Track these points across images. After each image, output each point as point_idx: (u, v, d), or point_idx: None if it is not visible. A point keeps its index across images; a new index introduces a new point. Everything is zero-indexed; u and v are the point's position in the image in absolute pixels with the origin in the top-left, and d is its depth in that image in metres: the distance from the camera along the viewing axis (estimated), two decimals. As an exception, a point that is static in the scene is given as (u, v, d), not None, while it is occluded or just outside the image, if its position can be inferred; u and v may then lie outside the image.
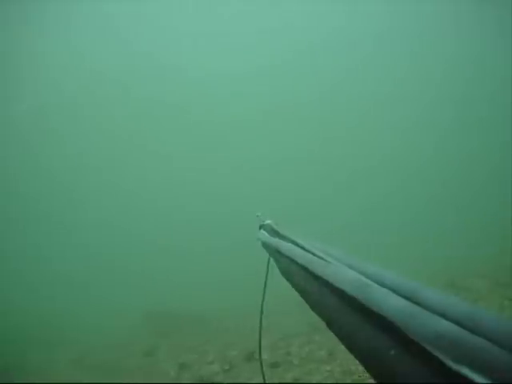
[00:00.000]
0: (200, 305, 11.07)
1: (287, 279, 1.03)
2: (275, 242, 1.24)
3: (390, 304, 0.48)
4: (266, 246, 1.39)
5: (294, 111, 30.76)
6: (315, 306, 0.77)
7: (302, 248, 0.95)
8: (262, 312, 1.68)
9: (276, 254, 1.17)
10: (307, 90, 30.81)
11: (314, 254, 0.85)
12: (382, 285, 0.57)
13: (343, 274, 0.66)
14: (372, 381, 0.49)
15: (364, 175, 28.41)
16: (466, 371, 0.34)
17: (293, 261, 0.94)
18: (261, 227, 1.57)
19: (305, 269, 0.83)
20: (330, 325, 0.69)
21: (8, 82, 26.49)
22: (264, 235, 1.45)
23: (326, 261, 0.77)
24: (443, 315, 0.43)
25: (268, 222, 1.55)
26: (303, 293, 0.86)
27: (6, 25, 24.36)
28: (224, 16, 30.48)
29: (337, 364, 5.09)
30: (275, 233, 1.38)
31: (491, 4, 21.15)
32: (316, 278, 0.75)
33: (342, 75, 30.67)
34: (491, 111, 25.93)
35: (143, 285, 15.59)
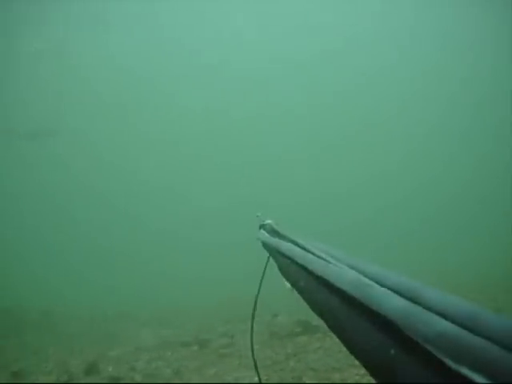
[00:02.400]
0: (58, 304, 10.42)
1: (287, 279, 1.03)
2: (275, 242, 1.24)
3: (391, 304, 0.48)
4: (266, 245, 1.39)
5: (308, 113, 30.54)
6: (315, 306, 0.77)
7: (303, 248, 0.95)
8: (253, 315, 1.68)
9: (276, 254, 1.17)
10: (318, 94, 30.53)
11: (314, 254, 0.85)
12: (383, 285, 0.57)
13: (344, 273, 0.66)
14: (372, 381, 0.49)
15: (376, 181, 28.30)
16: (465, 371, 0.34)
17: (293, 261, 0.94)
18: (261, 227, 1.57)
19: (305, 269, 0.83)
20: (330, 325, 0.69)
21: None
22: (264, 235, 1.45)
23: (326, 261, 0.77)
24: (443, 315, 0.43)
25: (268, 221, 1.55)
26: (303, 293, 0.86)
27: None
28: (256, 14, 29.85)
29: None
30: (275, 233, 1.38)
31: (509, 8, 20.94)
32: (316, 277, 0.75)
33: (357, 79, 30.38)
34: (507, 118, 25.59)
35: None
